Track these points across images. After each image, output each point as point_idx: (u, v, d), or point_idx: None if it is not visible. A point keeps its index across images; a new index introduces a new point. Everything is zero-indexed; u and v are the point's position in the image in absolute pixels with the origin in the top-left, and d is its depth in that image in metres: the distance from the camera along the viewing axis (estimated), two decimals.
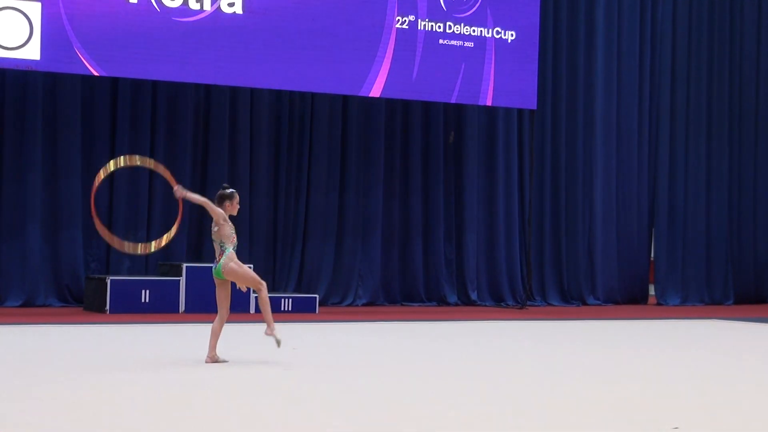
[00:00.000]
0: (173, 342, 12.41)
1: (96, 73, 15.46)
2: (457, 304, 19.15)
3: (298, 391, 8.70)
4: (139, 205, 17.16)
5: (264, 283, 10.36)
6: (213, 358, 10.17)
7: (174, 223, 10.65)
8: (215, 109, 17.74)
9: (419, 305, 18.88)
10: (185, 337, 12.93)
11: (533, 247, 19.52)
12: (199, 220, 17.61)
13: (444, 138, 19.27)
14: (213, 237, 10.27)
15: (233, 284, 10.41)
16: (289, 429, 7.18)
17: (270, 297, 16.47)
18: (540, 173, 19.86)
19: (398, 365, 10.61)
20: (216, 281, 10.31)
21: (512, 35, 17.84)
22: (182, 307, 16.05)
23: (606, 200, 20.41)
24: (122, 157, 10.83)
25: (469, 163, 19.34)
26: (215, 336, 10.23)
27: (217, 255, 10.25)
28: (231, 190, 10.30)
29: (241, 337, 13.04)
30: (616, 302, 20.52)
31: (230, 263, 10.17)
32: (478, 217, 19.43)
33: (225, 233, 10.16)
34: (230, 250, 10.18)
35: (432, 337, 13.70)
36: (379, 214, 18.70)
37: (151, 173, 17.23)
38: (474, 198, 19.36)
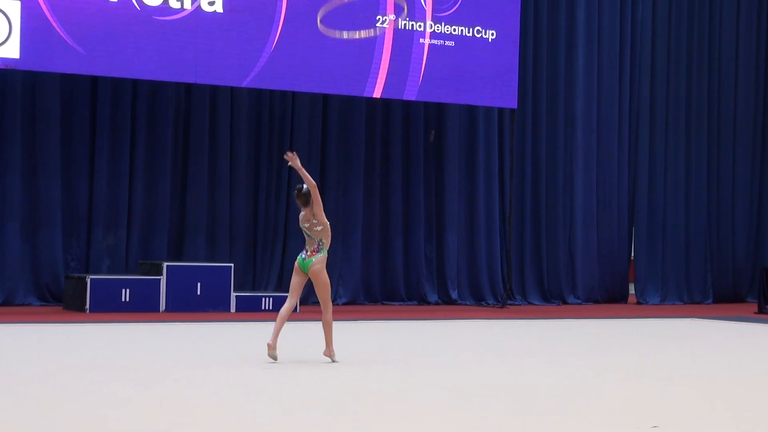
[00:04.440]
0: (154, 341, 12.38)
1: (76, 72, 15.43)
2: (437, 303, 19.16)
3: (277, 390, 8.69)
4: (119, 204, 17.10)
5: (330, 305, 10.35)
6: (272, 346, 10.16)
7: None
8: (195, 108, 17.70)
9: (400, 304, 18.88)
10: (166, 337, 12.91)
11: (514, 246, 19.54)
12: (180, 218, 17.59)
13: (424, 137, 19.28)
14: (309, 231, 10.24)
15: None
16: (268, 427, 7.17)
17: (250, 296, 16.63)
18: (520, 172, 19.89)
19: (378, 364, 10.61)
20: (296, 270, 10.31)
21: (493, 34, 17.86)
22: (163, 306, 16.02)
23: (586, 199, 20.45)
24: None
25: (449, 163, 19.36)
26: (281, 320, 10.21)
27: (310, 249, 10.24)
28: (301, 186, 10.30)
29: (222, 336, 13.04)
30: (596, 301, 20.56)
31: (318, 265, 10.20)
32: (459, 216, 19.44)
33: (328, 233, 10.25)
34: (326, 252, 10.25)
35: (412, 336, 13.72)
36: (360, 213, 18.69)
37: (131, 174, 17.18)
38: (454, 197, 19.37)
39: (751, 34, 22.05)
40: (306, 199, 10.24)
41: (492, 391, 8.91)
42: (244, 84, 16.36)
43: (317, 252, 10.25)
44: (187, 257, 17.34)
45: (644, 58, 21.04)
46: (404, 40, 17.15)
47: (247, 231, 18.03)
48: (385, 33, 17.01)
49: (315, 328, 14.22)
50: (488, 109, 19.43)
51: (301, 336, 13.22)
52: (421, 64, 17.27)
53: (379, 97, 17.24)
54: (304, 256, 10.29)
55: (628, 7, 20.89)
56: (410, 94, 17.32)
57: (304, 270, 10.27)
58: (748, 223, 22.08)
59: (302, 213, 10.33)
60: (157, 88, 17.18)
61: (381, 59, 16.97)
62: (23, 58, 14.89)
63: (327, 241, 10.30)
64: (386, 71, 17.03)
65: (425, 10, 17.32)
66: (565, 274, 20.28)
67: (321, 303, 10.35)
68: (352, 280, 18.60)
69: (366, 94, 17.13)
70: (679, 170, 21.33)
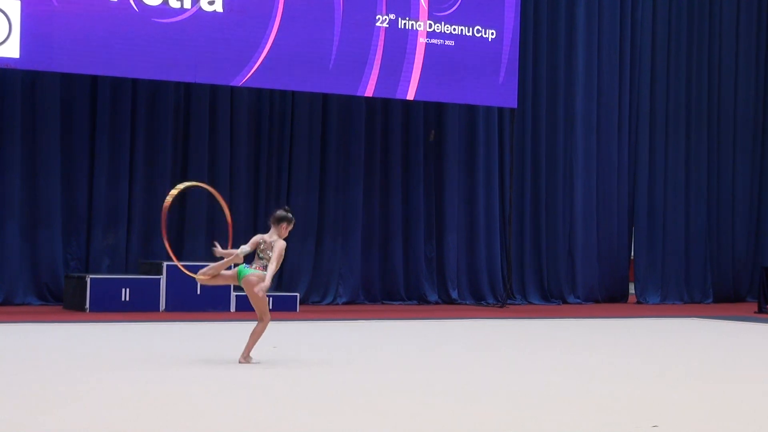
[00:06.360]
0: (154, 340, 12.38)
1: (75, 72, 15.42)
2: (437, 303, 19.16)
3: (277, 389, 8.69)
4: (119, 203, 17.11)
5: (268, 319, 10.27)
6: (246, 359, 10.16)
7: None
8: (195, 108, 17.69)
9: (399, 304, 18.88)
10: (166, 336, 12.91)
11: (514, 245, 19.54)
12: (180, 219, 17.59)
13: (424, 137, 19.28)
14: (261, 254, 10.14)
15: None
16: (269, 426, 7.17)
17: None
18: (520, 172, 19.89)
19: (378, 363, 10.61)
20: (233, 272, 10.27)
21: (493, 34, 17.86)
22: (162, 305, 16.02)
23: (586, 199, 20.45)
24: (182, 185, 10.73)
25: (449, 162, 19.35)
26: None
27: (255, 266, 10.17)
28: (291, 214, 10.29)
29: (222, 336, 13.04)
30: (597, 301, 20.56)
31: (255, 278, 10.05)
32: (459, 216, 19.44)
33: (278, 264, 10.16)
34: (269, 278, 10.09)
35: (412, 336, 13.72)
36: (360, 213, 18.69)
37: (131, 174, 17.19)
38: (454, 197, 19.37)
39: (751, 34, 22.05)
40: (279, 222, 10.19)
41: (491, 391, 8.91)
42: (234, 82, 16.28)
43: (260, 269, 10.12)
44: (187, 257, 17.32)
45: (644, 58, 21.03)
46: (401, 39, 17.14)
47: (247, 231, 17.98)
48: (381, 32, 17.00)
49: (315, 329, 14.25)
50: (488, 109, 19.43)
51: (300, 336, 13.22)
52: (420, 63, 17.27)
53: (371, 95, 17.24)
54: (246, 265, 10.15)
55: (628, 7, 20.89)
56: (407, 93, 17.29)
57: (240, 275, 10.10)
58: (748, 223, 22.08)
59: (266, 235, 10.17)
60: (156, 88, 17.18)
61: (375, 58, 16.97)
62: (23, 58, 14.89)
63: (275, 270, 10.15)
64: (378, 70, 17.00)
65: (423, 9, 17.29)
66: (565, 273, 20.28)
67: (258, 315, 10.21)
68: (352, 280, 18.59)
69: (359, 93, 17.12)
70: (679, 170, 21.33)
